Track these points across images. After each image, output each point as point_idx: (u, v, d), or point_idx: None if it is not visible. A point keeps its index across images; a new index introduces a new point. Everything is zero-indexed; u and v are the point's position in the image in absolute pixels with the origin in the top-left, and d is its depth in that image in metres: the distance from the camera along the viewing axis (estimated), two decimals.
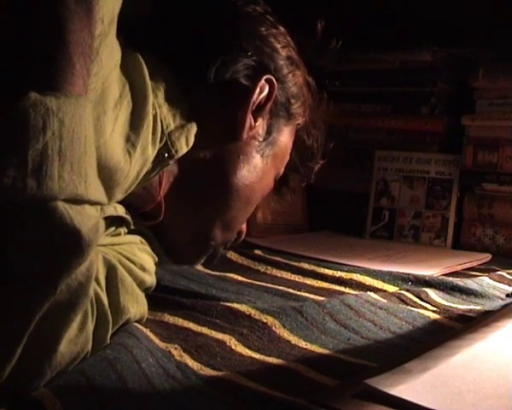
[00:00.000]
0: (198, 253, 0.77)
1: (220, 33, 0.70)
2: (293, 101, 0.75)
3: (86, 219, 0.45)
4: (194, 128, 0.66)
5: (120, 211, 0.64)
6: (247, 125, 0.70)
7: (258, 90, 0.69)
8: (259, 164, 0.74)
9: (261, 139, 0.73)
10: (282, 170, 0.80)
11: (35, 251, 0.43)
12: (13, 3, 0.46)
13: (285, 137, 0.77)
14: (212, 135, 0.69)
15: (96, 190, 0.47)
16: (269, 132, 0.74)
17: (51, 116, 0.43)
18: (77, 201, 0.44)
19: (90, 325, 0.52)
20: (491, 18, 1.26)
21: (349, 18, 1.41)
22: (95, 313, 0.54)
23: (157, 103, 0.62)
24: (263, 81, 0.70)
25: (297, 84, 0.75)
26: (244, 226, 0.81)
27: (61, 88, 0.45)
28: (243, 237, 0.82)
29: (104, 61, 0.54)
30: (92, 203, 0.46)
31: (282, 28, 0.74)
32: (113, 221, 0.64)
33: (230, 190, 0.72)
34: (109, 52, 0.55)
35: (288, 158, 0.80)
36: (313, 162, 0.85)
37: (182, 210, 0.72)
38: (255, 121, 0.71)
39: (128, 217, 0.65)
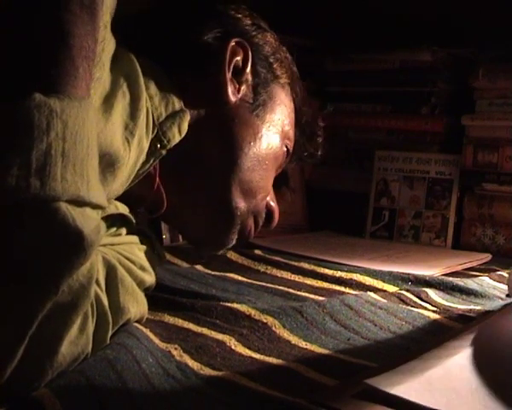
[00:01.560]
0: (227, 228, 0.75)
1: (185, 17, 0.72)
2: (271, 60, 0.77)
3: (88, 220, 0.45)
4: (186, 116, 0.66)
5: (122, 209, 0.64)
6: (231, 88, 0.71)
7: (229, 52, 0.71)
8: (258, 125, 0.75)
9: (251, 101, 0.74)
10: (290, 133, 0.81)
11: (37, 251, 0.43)
12: (16, 6, 0.46)
13: (279, 98, 0.78)
14: (200, 106, 0.71)
15: (98, 193, 0.47)
16: (257, 94, 0.75)
17: (55, 118, 0.43)
18: (78, 202, 0.45)
19: (91, 326, 0.52)
20: (491, 18, 1.26)
21: (349, 18, 1.41)
22: (95, 314, 0.54)
23: (148, 95, 0.62)
24: (233, 43, 0.71)
25: (269, 44, 0.77)
26: (275, 206, 0.81)
27: (64, 90, 0.45)
28: (277, 216, 0.82)
29: (106, 64, 0.54)
30: (93, 207, 0.46)
31: (242, 6, 0.76)
32: (114, 221, 0.64)
33: (234, 151, 0.73)
34: (108, 52, 0.56)
35: (292, 119, 0.81)
36: (315, 132, 0.87)
37: (189, 188, 0.72)
38: (239, 85, 0.73)
39: (130, 215, 0.65)
